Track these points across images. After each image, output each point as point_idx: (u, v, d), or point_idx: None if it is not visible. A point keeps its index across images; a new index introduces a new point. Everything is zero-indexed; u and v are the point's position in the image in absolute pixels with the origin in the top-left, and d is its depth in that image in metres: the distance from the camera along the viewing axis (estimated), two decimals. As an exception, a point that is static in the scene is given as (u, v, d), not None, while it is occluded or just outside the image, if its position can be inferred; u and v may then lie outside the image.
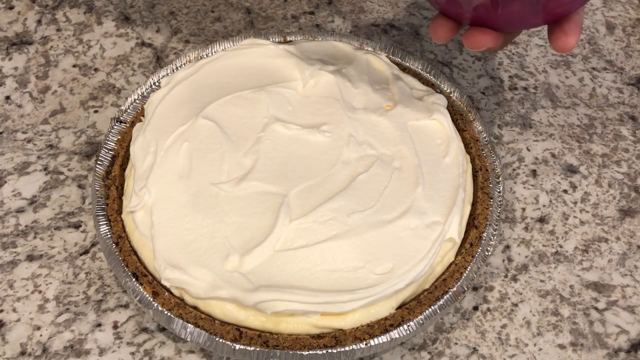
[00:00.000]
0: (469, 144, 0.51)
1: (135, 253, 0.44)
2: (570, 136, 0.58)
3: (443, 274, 0.45)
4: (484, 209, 0.48)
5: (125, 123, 0.50)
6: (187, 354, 0.44)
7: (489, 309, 0.47)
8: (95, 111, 0.56)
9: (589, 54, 0.64)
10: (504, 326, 0.47)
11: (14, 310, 0.45)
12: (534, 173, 0.55)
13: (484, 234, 0.46)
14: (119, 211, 0.46)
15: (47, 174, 0.52)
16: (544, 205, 0.53)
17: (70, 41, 0.60)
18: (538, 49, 0.64)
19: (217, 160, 0.46)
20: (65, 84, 0.57)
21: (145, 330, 0.45)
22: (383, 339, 0.41)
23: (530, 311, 0.47)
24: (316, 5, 0.66)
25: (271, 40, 0.56)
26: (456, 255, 0.46)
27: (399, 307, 0.43)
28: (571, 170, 0.55)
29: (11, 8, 0.62)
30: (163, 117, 0.49)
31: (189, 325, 0.41)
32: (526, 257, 0.50)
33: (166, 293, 0.42)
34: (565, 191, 0.54)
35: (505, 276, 0.49)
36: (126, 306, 0.46)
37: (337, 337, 0.41)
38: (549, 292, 0.48)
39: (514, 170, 0.55)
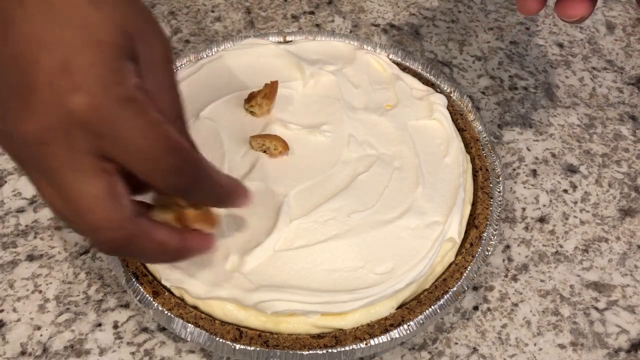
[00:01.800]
0: (469, 143, 0.51)
1: (136, 253, 0.44)
2: (570, 136, 0.58)
3: (443, 273, 0.45)
4: (484, 209, 0.48)
5: (125, 123, 0.50)
6: (187, 353, 0.44)
7: (489, 309, 0.47)
8: (96, 111, 0.56)
9: (589, 54, 0.64)
10: (504, 326, 0.47)
11: (14, 310, 0.45)
12: (534, 173, 0.55)
13: (484, 234, 0.46)
14: (119, 211, 0.46)
15: (47, 174, 0.52)
16: (544, 205, 0.53)
17: (70, 41, 0.60)
18: (538, 49, 0.64)
19: (217, 160, 0.46)
20: (65, 83, 0.57)
21: (145, 330, 0.45)
22: (383, 338, 0.41)
23: (531, 311, 0.47)
24: (316, 5, 0.66)
25: (271, 40, 0.56)
26: (456, 255, 0.46)
27: (399, 307, 0.43)
28: (571, 170, 0.55)
29: (11, 8, 0.62)
30: (163, 117, 0.49)
31: (189, 325, 0.41)
32: (526, 257, 0.50)
33: (166, 293, 0.42)
34: (565, 191, 0.54)
35: (506, 276, 0.49)
36: (126, 306, 0.46)
37: (338, 337, 0.41)
38: (549, 292, 0.48)
39: (514, 170, 0.55)
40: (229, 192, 0.36)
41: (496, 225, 0.47)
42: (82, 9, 0.30)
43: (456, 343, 0.45)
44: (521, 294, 0.48)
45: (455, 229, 0.45)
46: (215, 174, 0.35)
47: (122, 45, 0.31)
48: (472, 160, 0.50)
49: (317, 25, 0.64)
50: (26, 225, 0.49)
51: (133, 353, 0.44)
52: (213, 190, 0.35)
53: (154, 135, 0.31)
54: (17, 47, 0.30)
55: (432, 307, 0.43)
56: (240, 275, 0.42)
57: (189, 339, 0.41)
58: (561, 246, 0.51)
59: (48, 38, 0.30)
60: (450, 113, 0.52)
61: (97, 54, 0.30)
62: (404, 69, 0.55)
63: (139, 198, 0.35)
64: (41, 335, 0.44)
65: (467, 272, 0.45)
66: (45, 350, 0.44)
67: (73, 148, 0.30)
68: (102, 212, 0.32)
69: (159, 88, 0.33)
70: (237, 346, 0.40)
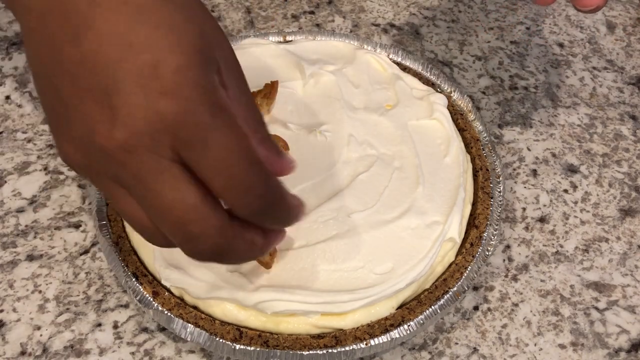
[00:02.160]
0: (470, 143, 0.51)
1: (136, 253, 0.44)
2: (570, 136, 0.58)
3: (443, 273, 0.45)
4: (484, 209, 0.48)
5: (125, 123, 0.50)
6: (187, 354, 0.44)
7: (489, 309, 0.47)
8: (95, 111, 0.56)
9: (590, 54, 0.64)
10: (504, 326, 0.47)
11: (14, 310, 0.45)
12: (534, 173, 0.55)
13: (485, 234, 0.46)
14: (119, 211, 0.46)
15: (47, 174, 0.52)
16: (545, 205, 0.53)
17: (70, 41, 0.60)
18: (539, 49, 0.64)
19: (217, 160, 0.46)
20: (65, 83, 0.57)
21: (145, 330, 0.45)
22: (383, 338, 0.41)
23: (531, 311, 0.47)
24: (316, 5, 0.66)
25: (271, 40, 0.56)
26: (456, 255, 0.46)
27: (400, 307, 0.43)
28: (572, 169, 0.55)
29: (11, 8, 0.62)
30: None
31: (189, 325, 0.41)
32: (527, 256, 0.50)
33: (166, 293, 0.42)
34: (565, 191, 0.54)
35: (506, 276, 0.49)
36: (126, 306, 0.46)
37: (338, 337, 0.41)
38: (550, 292, 0.48)
39: (514, 169, 0.55)
40: (295, 214, 0.34)
41: (496, 225, 0.47)
42: (165, 10, 0.29)
43: (456, 343, 0.45)
44: (521, 294, 0.48)
45: (455, 229, 0.45)
46: (288, 197, 0.33)
47: (208, 50, 0.29)
48: (473, 160, 0.50)
49: (317, 25, 0.64)
50: (26, 225, 0.49)
51: (133, 353, 0.44)
52: (284, 215, 0.33)
53: (240, 150, 0.29)
54: (96, 48, 0.28)
55: (432, 307, 0.43)
56: (240, 275, 0.42)
57: (189, 339, 0.41)
58: (561, 246, 0.51)
59: (134, 38, 0.28)
60: (451, 113, 0.51)
61: (189, 57, 0.28)
62: (404, 68, 0.55)
63: None
64: (41, 335, 0.44)
65: (467, 272, 0.45)
66: (45, 350, 0.44)
67: (160, 155, 0.28)
68: (202, 220, 0.29)
69: (237, 95, 0.31)
70: (237, 346, 0.40)
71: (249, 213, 0.31)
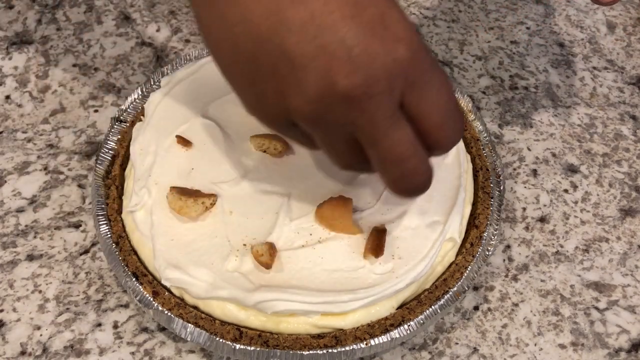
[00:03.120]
0: (470, 143, 0.51)
1: (135, 253, 0.44)
2: (570, 136, 0.58)
3: (443, 273, 0.45)
4: (484, 209, 0.48)
5: (125, 122, 0.50)
6: (187, 353, 0.44)
7: (489, 309, 0.47)
8: (95, 111, 0.56)
9: (590, 53, 0.64)
10: (504, 326, 0.47)
11: (14, 310, 0.45)
12: (534, 173, 0.55)
13: (485, 234, 0.46)
14: (119, 211, 0.46)
15: (47, 174, 0.52)
16: (545, 205, 0.53)
17: (70, 40, 0.60)
18: (539, 48, 0.64)
19: (217, 160, 0.46)
20: (65, 83, 0.57)
21: (145, 330, 0.45)
22: (383, 338, 0.41)
23: (531, 311, 0.47)
24: (316, 5, 0.66)
25: (271, 39, 0.56)
26: (457, 255, 0.46)
27: (400, 307, 0.43)
28: (572, 169, 0.55)
29: (11, 7, 0.62)
30: (163, 117, 0.49)
31: (189, 325, 0.41)
32: (527, 256, 0.50)
33: (166, 293, 0.42)
34: (565, 191, 0.54)
35: (506, 276, 0.49)
36: (126, 306, 0.46)
37: (338, 337, 0.41)
38: (550, 292, 0.48)
39: (514, 169, 0.55)
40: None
41: (496, 225, 0.47)
42: None
43: (456, 343, 0.45)
44: (522, 294, 0.48)
45: (455, 229, 0.45)
46: None
47: None
48: (473, 160, 0.50)
49: (318, 25, 0.64)
50: (26, 225, 0.49)
51: (133, 353, 0.44)
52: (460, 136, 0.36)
53: (450, 86, 0.33)
54: (321, 7, 0.30)
55: (433, 307, 0.43)
56: (240, 275, 0.42)
57: (189, 339, 0.41)
58: (562, 246, 0.51)
59: None
60: (451, 113, 0.51)
61: (399, 8, 0.31)
62: (405, 68, 0.55)
63: None
64: (41, 335, 0.44)
65: (467, 272, 0.45)
66: (45, 350, 0.44)
67: (392, 97, 0.31)
68: (417, 156, 0.33)
69: None
70: (237, 346, 0.40)
71: (448, 139, 0.34)
